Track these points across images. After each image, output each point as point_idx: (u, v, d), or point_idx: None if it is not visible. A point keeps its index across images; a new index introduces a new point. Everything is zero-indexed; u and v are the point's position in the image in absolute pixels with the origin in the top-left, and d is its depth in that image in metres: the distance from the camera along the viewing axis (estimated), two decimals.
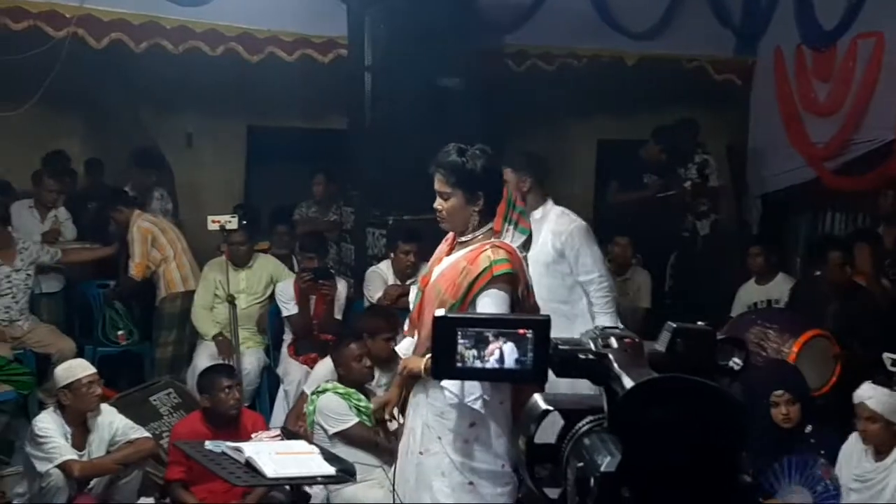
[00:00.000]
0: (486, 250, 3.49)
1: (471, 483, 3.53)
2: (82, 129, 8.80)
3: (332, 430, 5.15)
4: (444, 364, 1.30)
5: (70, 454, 4.84)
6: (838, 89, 7.23)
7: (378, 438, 5.13)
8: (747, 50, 8.37)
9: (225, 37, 7.42)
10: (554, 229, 5.07)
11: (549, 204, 5.17)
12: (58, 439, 4.86)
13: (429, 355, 3.50)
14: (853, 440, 4.54)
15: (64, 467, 4.78)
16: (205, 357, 6.64)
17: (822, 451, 4.52)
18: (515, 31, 8.02)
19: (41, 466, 4.80)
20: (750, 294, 7.06)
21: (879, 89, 6.81)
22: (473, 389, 3.42)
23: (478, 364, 1.30)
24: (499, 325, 1.29)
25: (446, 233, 3.81)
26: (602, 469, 1.06)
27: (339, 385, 5.27)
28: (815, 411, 4.81)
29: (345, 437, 5.16)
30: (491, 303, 3.41)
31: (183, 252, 7.17)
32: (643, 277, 7.62)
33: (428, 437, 3.57)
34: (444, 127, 6.12)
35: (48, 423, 4.91)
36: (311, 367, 6.15)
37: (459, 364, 1.30)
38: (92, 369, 5.08)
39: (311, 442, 5.09)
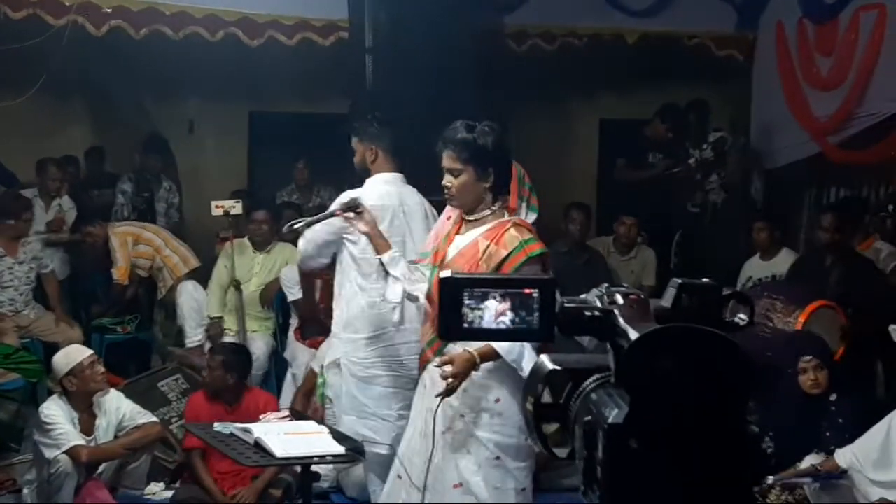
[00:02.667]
0: (509, 229, 3.47)
1: (497, 458, 3.54)
2: (84, 118, 8.82)
3: None
4: (450, 324, 1.30)
5: (77, 440, 4.86)
6: (841, 63, 7.18)
7: None
8: (748, 25, 8.31)
9: (224, 21, 7.40)
10: None
11: (378, 178, 4.73)
12: (65, 425, 4.88)
13: (475, 346, 3.44)
14: None
15: (71, 453, 4.80)
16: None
17: (841, 420, 4.55)
18: (515, 11, 7.98)
19: (49, 453, 4.82)
20: (754, 269, 7.07)
21: (882, 62, 6.76)
22: None
23: (484, 324, 1.30)
24: (504, 285, 1.30)
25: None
26: (609, 421, 1.07)
27: None
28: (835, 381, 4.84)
29: None
30: None
31: (171, 238, 7.18)
32: (648, 255, 7.63)
33: (449, 415, 3.57)
34: (446, 108, 6.11)
35: (55, 410, 4.93)
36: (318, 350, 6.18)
37: (466, 324, 1.30)
38: (89, 351, 5.12)
39: (323, 418, 5.16)
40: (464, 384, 3.53)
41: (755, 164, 8.34)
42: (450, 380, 3.45)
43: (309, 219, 3.98)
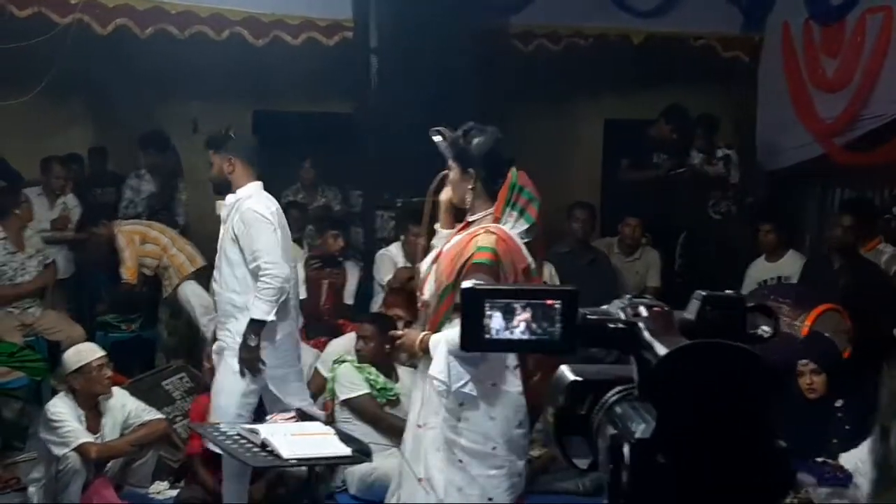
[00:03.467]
0: (478, 235, 3.51)
1: (461, 461, 3.57)
2: (88, 116, 8.81)
3: (341, 397, 5.39)
4: (472, 335, 1.30)
5: (86, 437, 4.88)
6: (847, 65, 7.18)
7: (382, 413, 5.26)
8: (755, 26, 8.31)
9: (230, 21, 7.41)
10: (238, 213, 4.83)
11: (252, 187, 4.84)
12: (72, 423, 4.89)
13: (423, 333, 3.60)
14: None
15: (81, 450, 4.82)
16: None
17: (848, 427, 4.54)
18: (521, 11, 7.98)
19: (57, 450, 4.83)
20: (760, 271, 7.05)
21: (888, 64, 6.77)
22: (461, 376, 3.44)
23: (506, 335, 1.29)
24: (526, 295, 1.29)
25: None
26: (637, 436, 1.06)
27: (356, 358, 5.42)
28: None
29: (351, 405, 5.40)
30: None
31: (177, 237, 7.17)
32: (653, 257, 7.61)
33: (427, 411, 3.61)
34: (450, 109, 6.11)
35: (61, 408, 4.94)
36: (322, 351, 6.18)
37: (487, 335, 1.29)
38: (101, 352, 5.14)
39: (331, 412, 5.29)
40: (441, 386, 3.54)
41: (759, 175, 8.35)
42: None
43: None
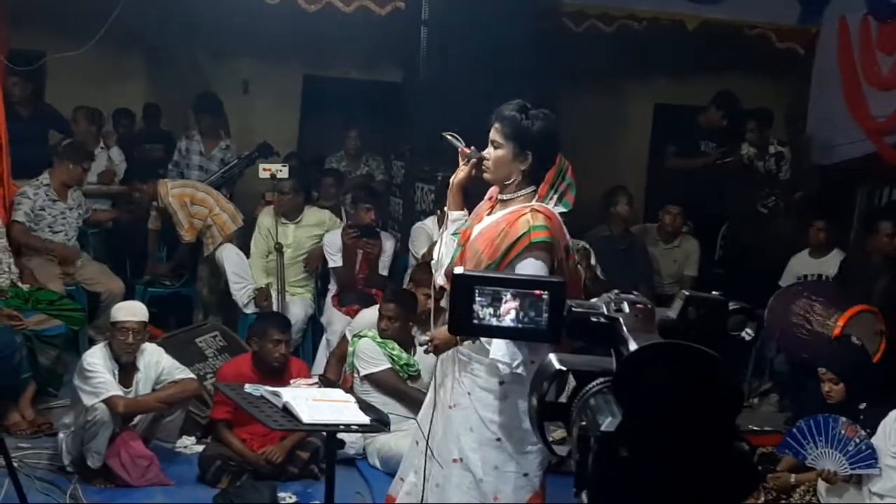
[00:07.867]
0: (525, 214, 3.44)
1: (498, 439, 3.55)
2: (142, 71, 8.91)
3: (363, 372, 5.42)
4: (461, 320, 1.33)
5: (116, 390, 4.96)
6: None
7: (405, 387, 5.30)
8: (811, 18, 8.19)
9: None
10: None
11: None
12: (105, 374, 4.97)
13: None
14: (894, 416, 4.51)
15: (109, 403, 4.91)
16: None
17: (868, 430, 4.50)
18: None
19: (87, 400, 4.92)
20: (802, 265, 6.95)
21: None
22: (516, 356, 3.42)
23: (494, 322, 1.32)
24: (515, 284, 1.32)
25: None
26: (602, 428, 1.09)
27: (378, 334, 5.45)
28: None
29: (373, 380, 5.41)
30: (529, 271, 3.40)
31: (220, 196, 7.24)
32: (692, 246, 7.54)
33: (458, 391, 3.59)
34: (498, 84, 6.10)
35: (97, 359, 5.02)
36: (354, 318, 6.24)
37: (476, 321, 1.33)
38: (136, 318, 5.11)
39: (351, 385, 5.30)
40: (471, 365, 3.56)
41: (812, 169, 8.25)
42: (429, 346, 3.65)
43: (455, 137, 3.81)
